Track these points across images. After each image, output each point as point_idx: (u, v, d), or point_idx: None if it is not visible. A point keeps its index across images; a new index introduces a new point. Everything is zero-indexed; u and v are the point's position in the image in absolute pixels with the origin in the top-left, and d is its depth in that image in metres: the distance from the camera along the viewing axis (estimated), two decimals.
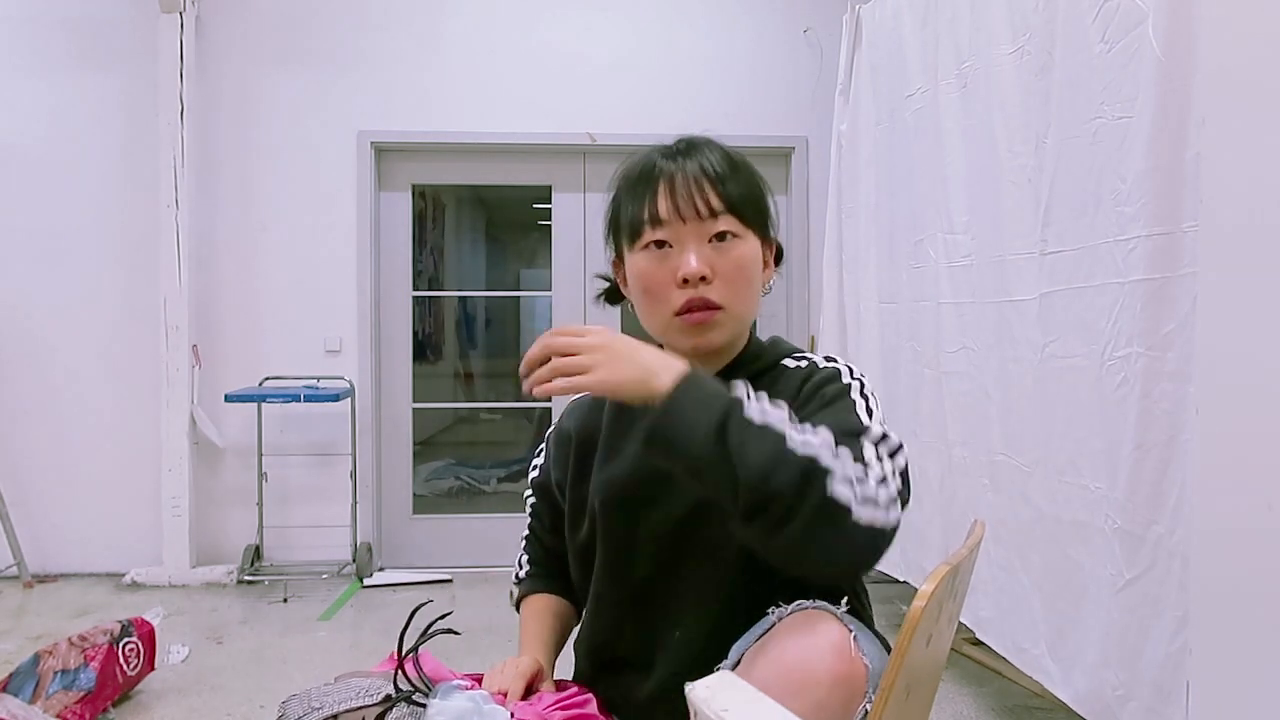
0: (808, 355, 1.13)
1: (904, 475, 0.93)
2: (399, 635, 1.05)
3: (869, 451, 0.90)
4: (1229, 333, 1.29)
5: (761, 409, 0.88)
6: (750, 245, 1.08)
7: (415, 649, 1.04)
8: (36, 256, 4.04)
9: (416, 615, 1.09)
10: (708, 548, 1.04)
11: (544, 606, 1.23)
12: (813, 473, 0.84)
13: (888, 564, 3.02)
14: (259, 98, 4.10)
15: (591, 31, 4.20)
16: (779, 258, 1.17)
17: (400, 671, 1.02)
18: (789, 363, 1.12)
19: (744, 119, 4.20)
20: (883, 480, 0.88)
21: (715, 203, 1.05)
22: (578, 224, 4.33)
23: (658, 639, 1.07)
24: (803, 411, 1.00)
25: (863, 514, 0.84)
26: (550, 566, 1.25)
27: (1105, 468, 1.86)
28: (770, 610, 0.93)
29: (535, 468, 1.26)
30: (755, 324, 1.17)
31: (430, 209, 4.61)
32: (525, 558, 1.29)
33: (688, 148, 1.09)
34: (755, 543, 0.88)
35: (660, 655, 1.07)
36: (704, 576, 1.05)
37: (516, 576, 1.29)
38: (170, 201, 3.91)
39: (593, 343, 0.94)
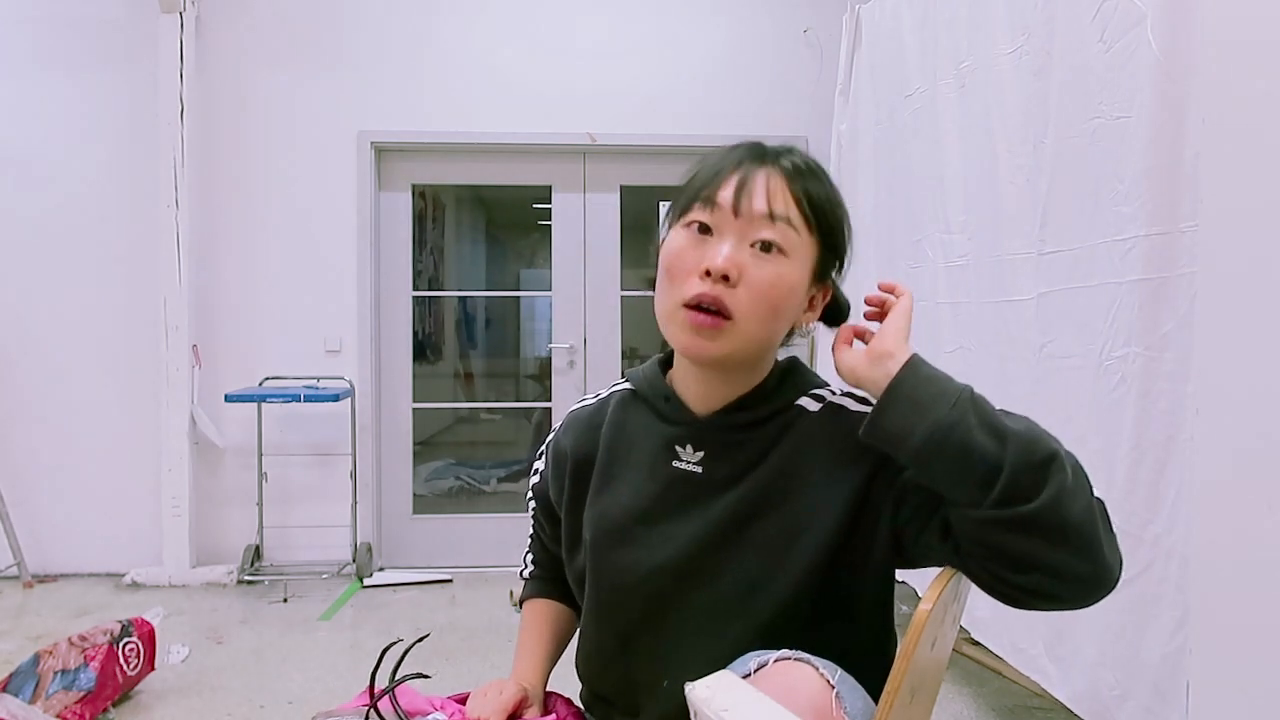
0: (825, 394, 1.03)
1: None
2: (370, 674, 1.04)
3: None
4: (1229, 333, 1.29)
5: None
6: (794, 268, 0.95)
7: (390, 689, 1.02)
8: (36, 256, 4.04)
9: (390, 651, 1.08)
10: (701, 598, 0.99)
11: (543, 615, 1.22)
12: (1069, 457, 0.87)
13: None
14: (259, 98, 4.10)
15: (591, 31, 4.20)
16: (832, 314, 1.05)
17: (374, 710, 1.00)
18: (807, 403, 1.02)
19: (743, 119, 4.20)
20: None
21: (778, 207, 0.94)
22: (578, 224, 4.34)
23: (645, 685, 1.03)
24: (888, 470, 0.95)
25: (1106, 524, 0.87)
26: (553, 570, 1.22)
27: (1103, 467, 1.86)
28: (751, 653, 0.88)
29: (536, 473, 1.21)
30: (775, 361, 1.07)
31: (430, 209, 4.61)
32: (530, 557, 1.27)
33: (788, 153, 0.99)
34: (1014, 534, 0.83)
35: (646, 701, 1.04)
36: (695, 627, 0.99)
37: (521, 574, 1.28)
38: (170, 201, 3.91)
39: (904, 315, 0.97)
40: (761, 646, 0.90)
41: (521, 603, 1.26)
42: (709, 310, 0.93)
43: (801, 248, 0.95)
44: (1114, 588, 0.84)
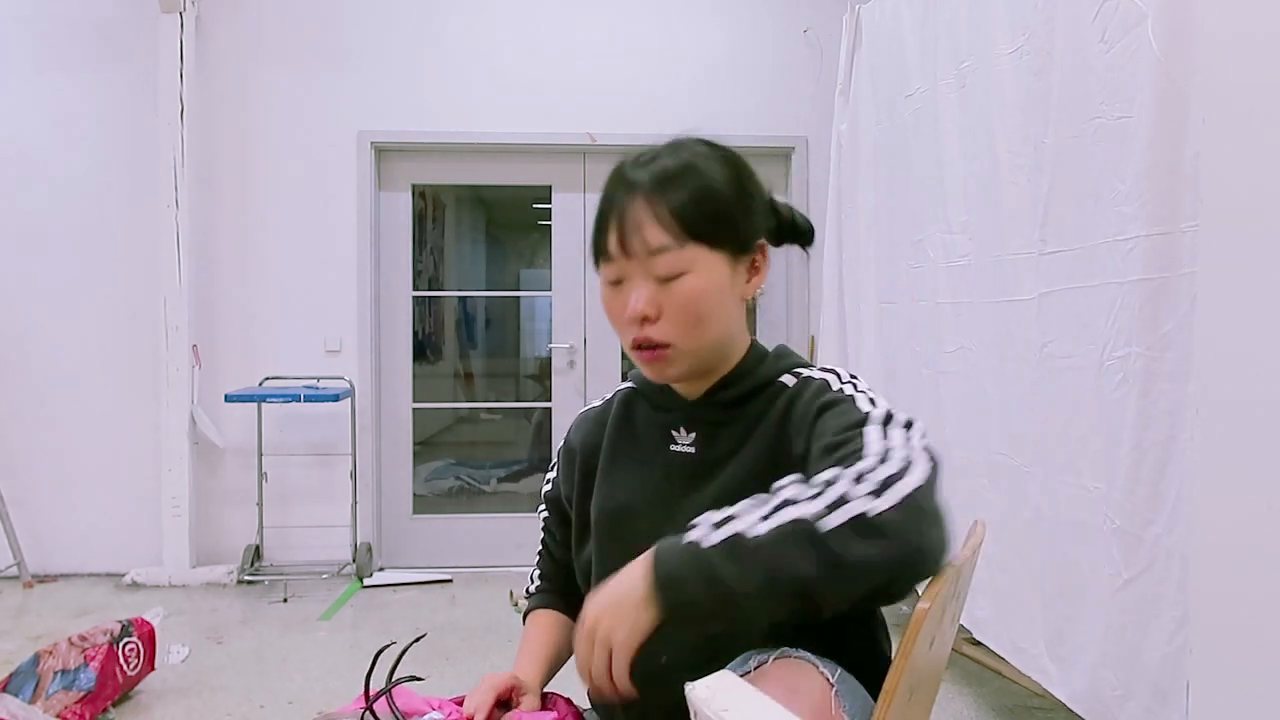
0: (803, 370, 1.07)
1: (923, 437, 0.89)
2: (365, 677, 1.05)
3: (870, 436, 0.87)
4: (1229, 333, 1.29)
5: (722, 527, 0.80)
6: (703, 276, 0.99)
7: (386, 691, 1.03)
8: (36, 256, 4.04)
9: (384, 653, 1.09)
10: None
11: (546, 621, 1.22)
12: (799, 533, 0.77)
13: None
14: (259, 98, 4.10)
15: (592, 31, 4.20)
16: (793, 236, 1.11)
17: (370, 712, 1.01)
18: (787, 379, 1.07)
19: (744, 119, 4.20)
20: (884, 457, 0.83)
21: (657, 239, 0.98)
22: (578, 224, 4.33)
23: (642, 665, 1.04)
24: (807, 429, 0.98)
25: (880, 504, 0.77)
26: (560, 582, 1.23)
27: (1104, 467, 1.86)
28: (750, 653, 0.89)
29: (548, 481, 1.25)
30: (755, 338, 1.11)
31: (430, 209, 4.61)
32: (537, 573, 1.28)
33: (650, 160, 1.02)
34: (863, 606, 0.87)
35: (645, 684, 1.04)
36: None
37: (527, 591, 1.28)
38: (170, 201, 3.91)
39: (589, 628, 0.86)
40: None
41: (525, 616, 1.26)
42: (649, 347, 1.01)
43: (699, 254, 0.99)
44: (935, 564, 0.81)
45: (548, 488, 1.24)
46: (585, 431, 1.19)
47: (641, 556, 0.84)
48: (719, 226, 1.00)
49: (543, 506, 1.25)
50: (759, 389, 1.06)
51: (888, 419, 0.92)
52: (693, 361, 1.03)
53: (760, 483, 0.97)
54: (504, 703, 1.06)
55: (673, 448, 1.08)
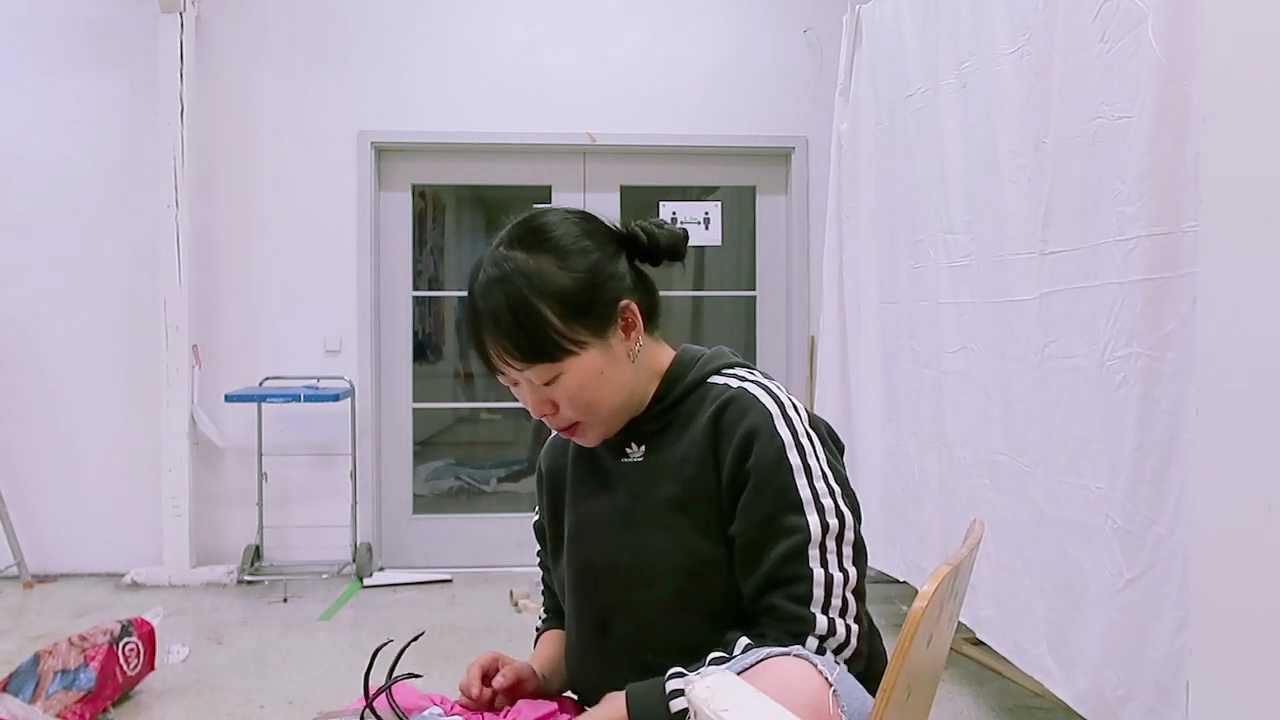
0: (736, 373, 1.11)
1: (856, 560, 1.01)
2: (364, 675, 1.08)
3: (815, 587, 0.98)
4: (1229, 333, 1.29)
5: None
6: (576, 372, 1.04)
7: (385, 689, 1.07)
8: (36, 257, 4.04)
9: (381, 652, 1.13)
10: (665, 574, 1.05)
11: (551, 636, 1.27)
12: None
13: (888, 564, 3.02)
14: (259, 98, 4.10)
15: (591, 31, 4.20)
16: (655, 254, 1.12)
17: (370, 710, 1.04)
18: (716, 380, 1.11)
19: (744, 119, 4.20)
20: (830, 630, 0.97)
21: (517, 365, 1.04)
22: None
23: (627, 665, 1.06)
24: (742, 476, 1.02)
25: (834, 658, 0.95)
26: (561, 611, 1.27)
27: (1106, 468, 1.86)
28: (745, 642, 0.95)
29: (536, 510, 1.29)
30: (680, 349, 1.16)
31: (430, 209, 4.61)
32: (542, 607, 1.33)
33: (486, 287, 1.05)
34: None
35: (632, 679, 1.06)
36: (665, 603, 1.05)
37: (537, 628, 1.33)
38: (170, 201, 3.91)
39: None
40: (723, 613, 1.02)
41: (535, 644, 1.30)
42: (563, 428, 1.11)
43: (563, 361, 1.04)
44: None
45: (535, 518, 1.28)
46: (551, 456, 1.25)
47: (617, 701, 0.96)
48: (568, 338, 1.03)
49: (537, 544, 1.29)
50: (689, 391, 1.11)
51: (824, 531, 0.99)
52: (608, 425, 1.10)
53: (699, 476, 1.06)
54: (491, 679, 1.12)
55: (624, 461, 1.13)
